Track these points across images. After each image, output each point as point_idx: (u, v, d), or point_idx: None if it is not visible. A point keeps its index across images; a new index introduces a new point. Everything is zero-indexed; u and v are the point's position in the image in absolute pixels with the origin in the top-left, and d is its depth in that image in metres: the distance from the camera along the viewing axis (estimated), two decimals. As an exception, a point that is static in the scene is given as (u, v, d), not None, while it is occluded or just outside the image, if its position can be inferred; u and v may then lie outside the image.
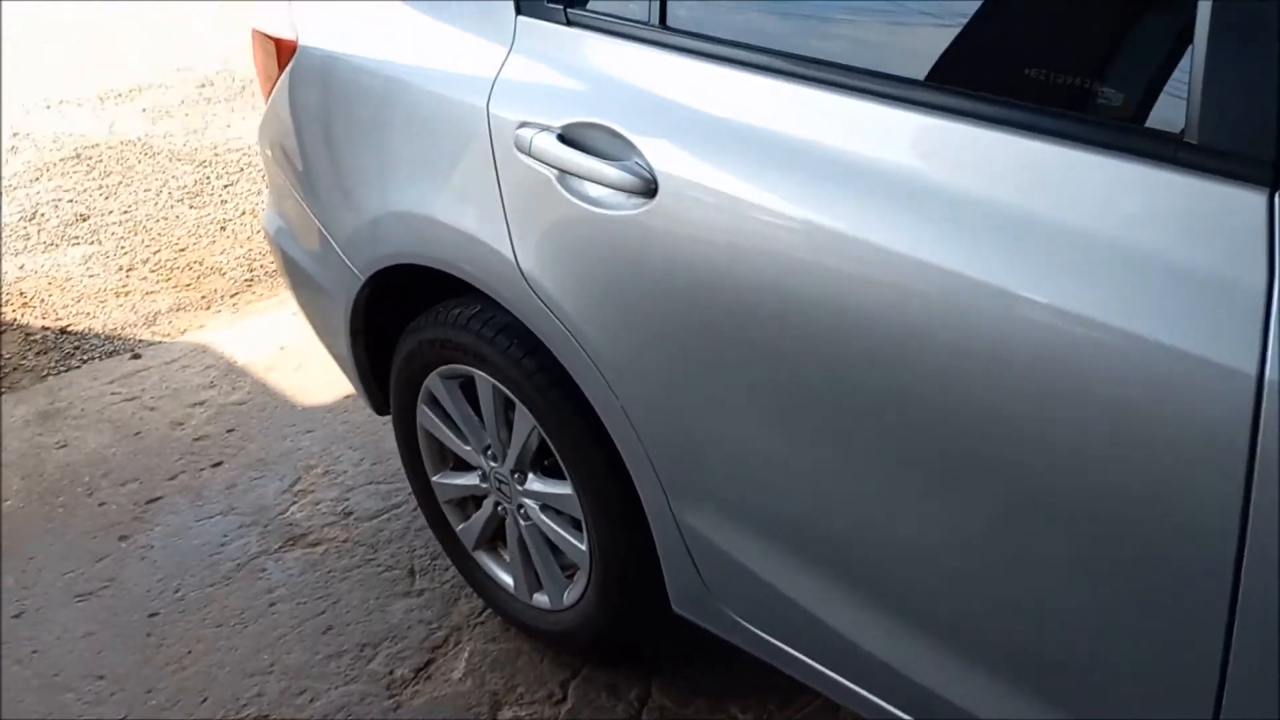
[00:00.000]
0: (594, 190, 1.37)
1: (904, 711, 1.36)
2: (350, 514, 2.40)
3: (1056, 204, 1.00)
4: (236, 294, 3.58)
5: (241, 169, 5.07)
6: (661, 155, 1.30)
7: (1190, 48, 0.93)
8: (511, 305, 1.56)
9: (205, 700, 1.92)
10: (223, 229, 4.17)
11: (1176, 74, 0.96)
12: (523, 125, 1.44)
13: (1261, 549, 0.91)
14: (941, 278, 1.07)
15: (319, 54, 1.83)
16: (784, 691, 1.85)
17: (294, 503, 2.45)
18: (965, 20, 1.14)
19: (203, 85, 7.00)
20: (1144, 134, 0.98)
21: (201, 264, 3.83)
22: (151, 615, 2.13)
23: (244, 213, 4.35)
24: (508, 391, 1.70)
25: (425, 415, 1.93)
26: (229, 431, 2.75)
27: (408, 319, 1.90)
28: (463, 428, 1.87)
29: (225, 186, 4.79)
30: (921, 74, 1.13)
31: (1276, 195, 0.88)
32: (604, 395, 1.49)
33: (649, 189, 1.30)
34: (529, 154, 1.43)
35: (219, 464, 2.61)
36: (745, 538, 1.43)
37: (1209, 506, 0.94)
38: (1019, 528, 1.11)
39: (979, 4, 1.14)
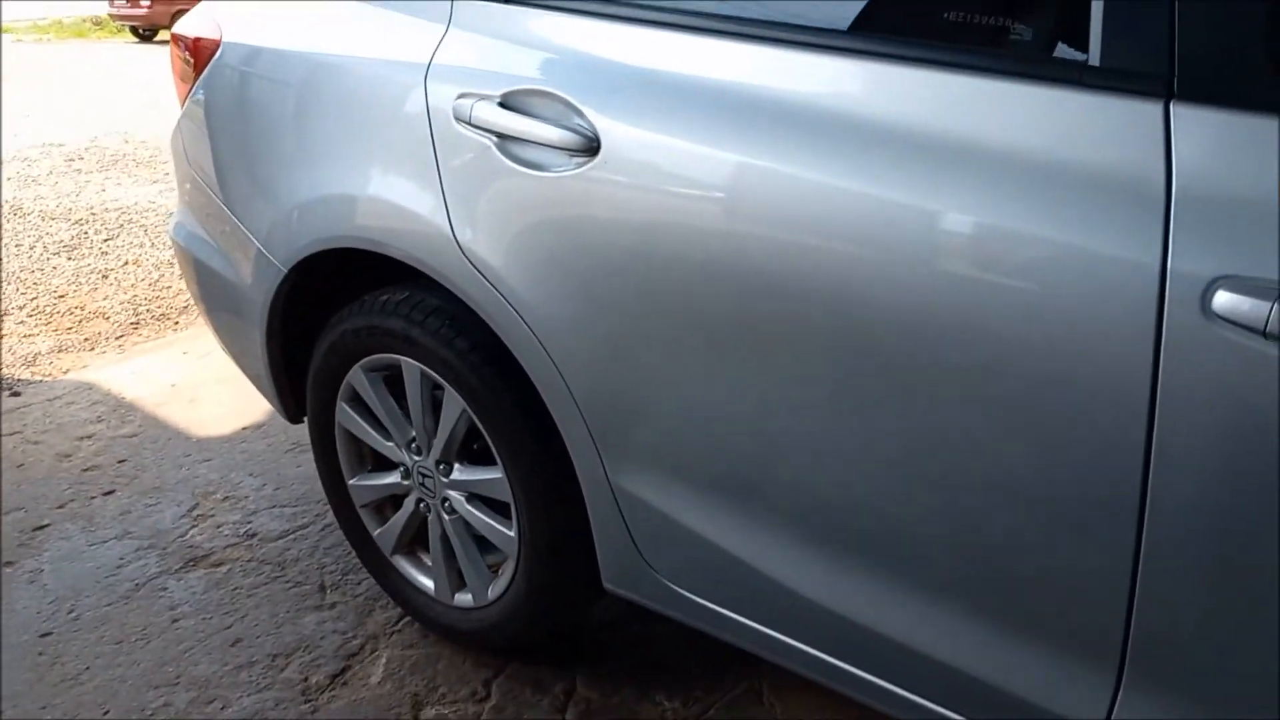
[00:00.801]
0: (535, 153, 1.41)
1: (840, 659, 1.40)
2: (254, 535, 2.33)
3: (978, 130, 1.09)
4: (122, 336, 3.48)
5: (121, 225, 4.97)
6: (603, 113, 1.36)
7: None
8: (447, 279, 1.58)
9: (107, 713, 1.82)
10: (104, 277, 4.07)
11: (1079, 7, 1.07)
12: (462, 96, 1.48)
13: (1170, 413, 1.00)
14: (875, 206, 1.14)
15: (244, 48, 1.85)
16: (708, 677, 1.86)
17: (193, 526, 2.37)
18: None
19: (72, 159, 6.87)
20: (1054, 63, 1.09)
21: (83, 309, 3.71)
22: (44, 635, 2.02)
23: (126, 263, 4.25)
24: (437, 376, 1.70)
25: (345, 413, 1.92)
26: (120, 462, 2.65)
27: (326, 318, 1.90)
28: (385, 422, 1.86)
29: (105, 240, 4.68)
30: (847, 24, 1.23)
31: (1170, 103, 0.99)
32: (542, 364, 1.51)
33: (591, 147, 1.36)
34: (469, 122, 1.47)
35: (111, 492, 2.51)
36: (685, 495, 1.46)
37: (1124, 389, 1.02)
38: (951, 446, 1.17)
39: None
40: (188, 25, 2.01)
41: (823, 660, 1.42)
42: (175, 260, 4.36)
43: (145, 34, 19.28)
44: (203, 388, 3.07)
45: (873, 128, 1.16)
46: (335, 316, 1.84)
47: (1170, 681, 1.11)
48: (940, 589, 1.26)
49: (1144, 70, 1.01)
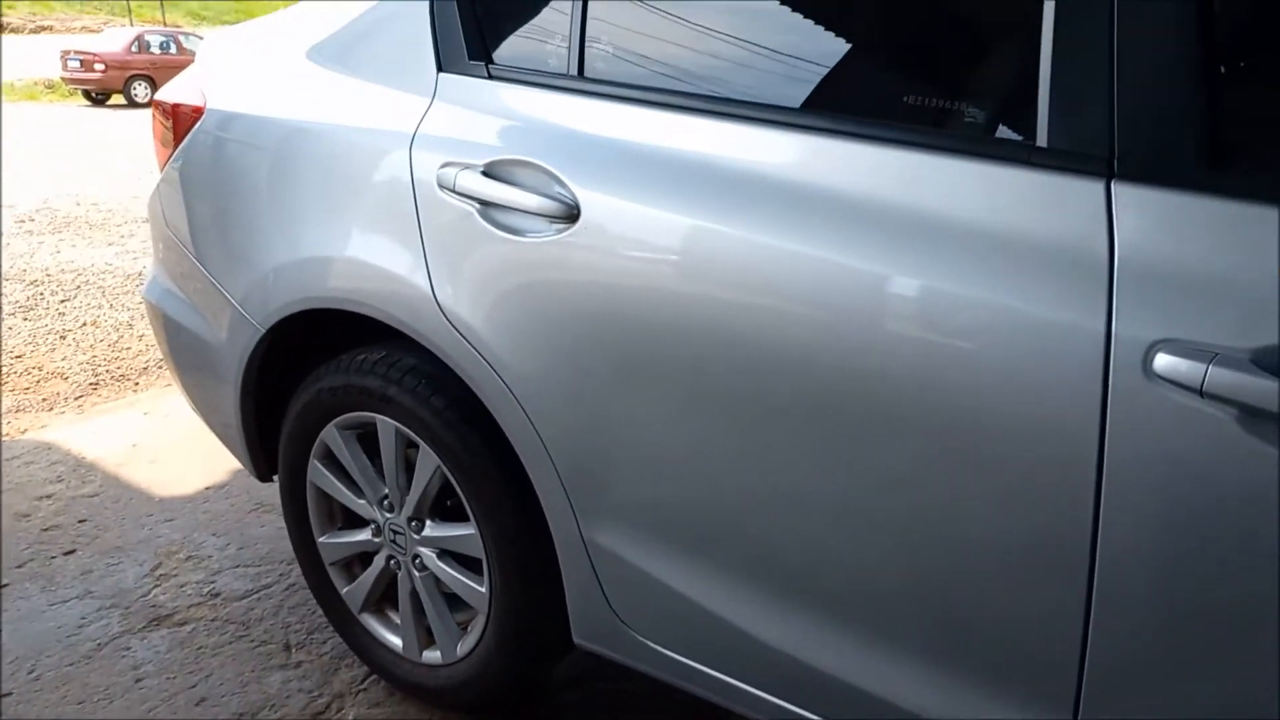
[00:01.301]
0: (516, 220, 1.48)
1: (809, 710, 1.44)
2: (218, 595, 2.33)
3: (937, 203, 1.18)
4: (81, 396, 3.47)
5: (78, 287, 4.95)
6: (582, 182, 1.43)
7: (1039, 74, 1.14)
8: (426, 338, 1.63)
9: (70, 771, 1.81)
10: (62, 338, 4.05)
11: (1028, 93, 1.16)
12: (446, 165, 1.55)
13: (1118, 470, 1.08)
14: (837, 272, 1.22)
15: (228, 115, 1.91)
16: (674, 734, 1.90)
17: (156, 586, 2.36)
18: (843, 57, 1.35)
19: (23, 220, 6.85)
20: (1004, 143, 1.18)
21: (41, 369, 3.69)
22: (4, 695, 2.00)
23: (84, 324, 4.24)
24: (411, 434, 1.75)
25: (317, 471, 1.95)
26: (80, 521, 2.64)
27: (299, 377, 1.94)
28: (358, 479, 1.89)
29: (62, 301, 4.66)
30: (812, 103, 1.32)
31: (1111, 182, 1.08)
32: (518, 421, 1.56)
33: (571, 214, 1.43)
34: (452, 190, 1.53)
35: (71, 552, 2.50)
36: (657, 549, 1.51)
37: (1074, 445, 1.10)
38: (909, 501, 1.24)
39: (859, 41, 1.35)
40: (170, 92, 2.07)
41: (791, 711, 1.46)
42: (133, 323, 4.36)
43: (98, 98, 19.28)
44: (164, 448, 3.06)
45: (836, 200, 1.25)
46: (311, 375, 1.88)
47: (1121, 725, 1.17)
48: (904, 638, 1.31)
49: (1087, 152, 1.10)
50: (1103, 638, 1.15)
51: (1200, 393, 1.01)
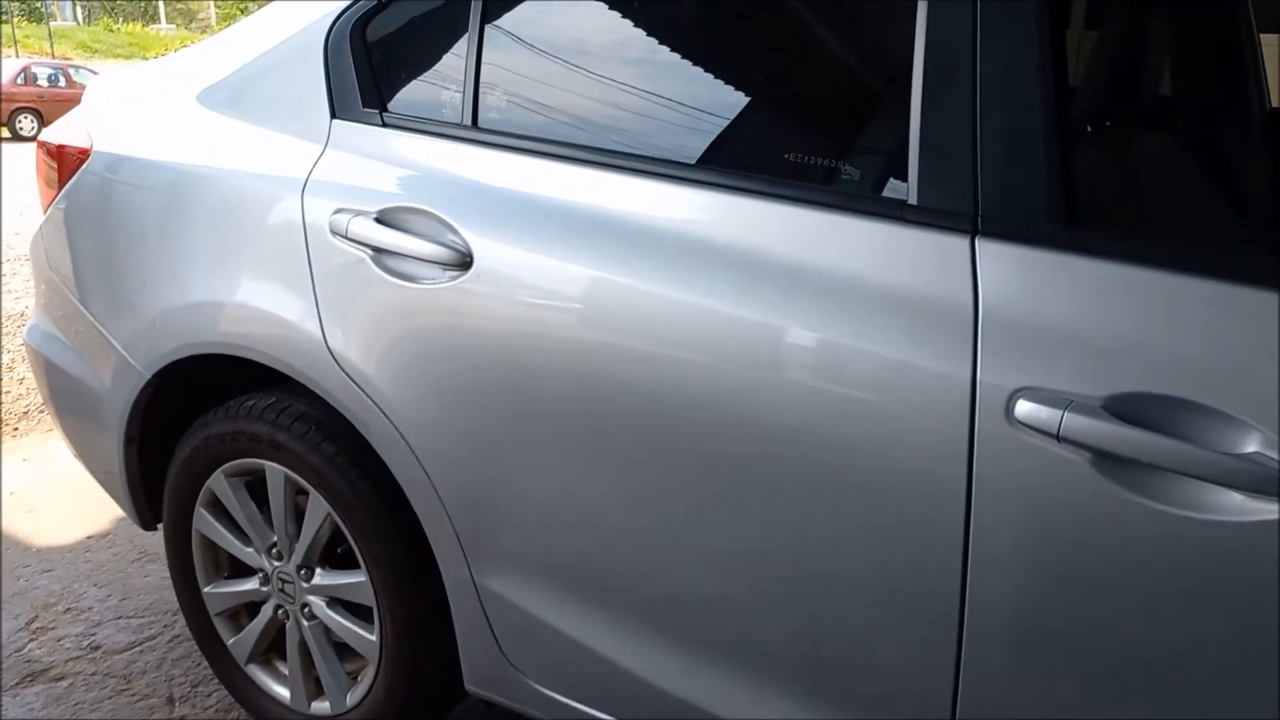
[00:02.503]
0: (409, 266, 1.49)
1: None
2: (98, 648, 2.26)
3: (814, 256, 1.23)
4: (-45, 442, 3.33)
5: (-45, 328, 4.75)
6: (475, 230, 1.45)
7: (909, 136, 1.20)
8: (316, 384, 1.62)
9: (-67, 837, 1.73)
10: (-64, 382, 3.89)
11: (900, 154, 1.22)
12: (339, 211, 1.55)
13: (983, 508, 1.13)
14: (721, 321, 1.27)
15: (113, 158, 1.88)
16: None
17: (32, 639, 2.28)
18: (732, 115, 1.40)
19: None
20: (878, 200, 1.24)
21: (-89, 414, 3.54)
22: None
23: (-41, 367, 4.08)
24: (301, 480, 1.73)
25: (203, 519, 1.91)
26: (-49, 574, 2.53)
27: (185, 425, 1.91)
28: (246, 527, 1.86)
29: (-64, 343, 4.47)
30: (699, 157, 1.37)
31: (975, 239, 1.15)
32: (409, 466, 1.56)
33: (464, 261, 1.45)
34: (345, 236, 1.54)
35: (-59, 605, 2.40)
36: (547, 593, 1.52)
37: (943, 487, 1.15)
38: (791, 542, 1.28)
39: (745, 101, 1.40)
40: (55, 133, 2.03)
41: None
42: (14, 365, 4.21)
43: (-20, 131, 18.64)
44: (43, 496, 2.96)
45: (720, 251, 1.29)
46: (199, 421, 1.85)
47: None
48: (787, 676, 1.35)
49: (953, 209, 1.17)
50: (974, 669, 1.20)
51: (1057, 437, 1.07)
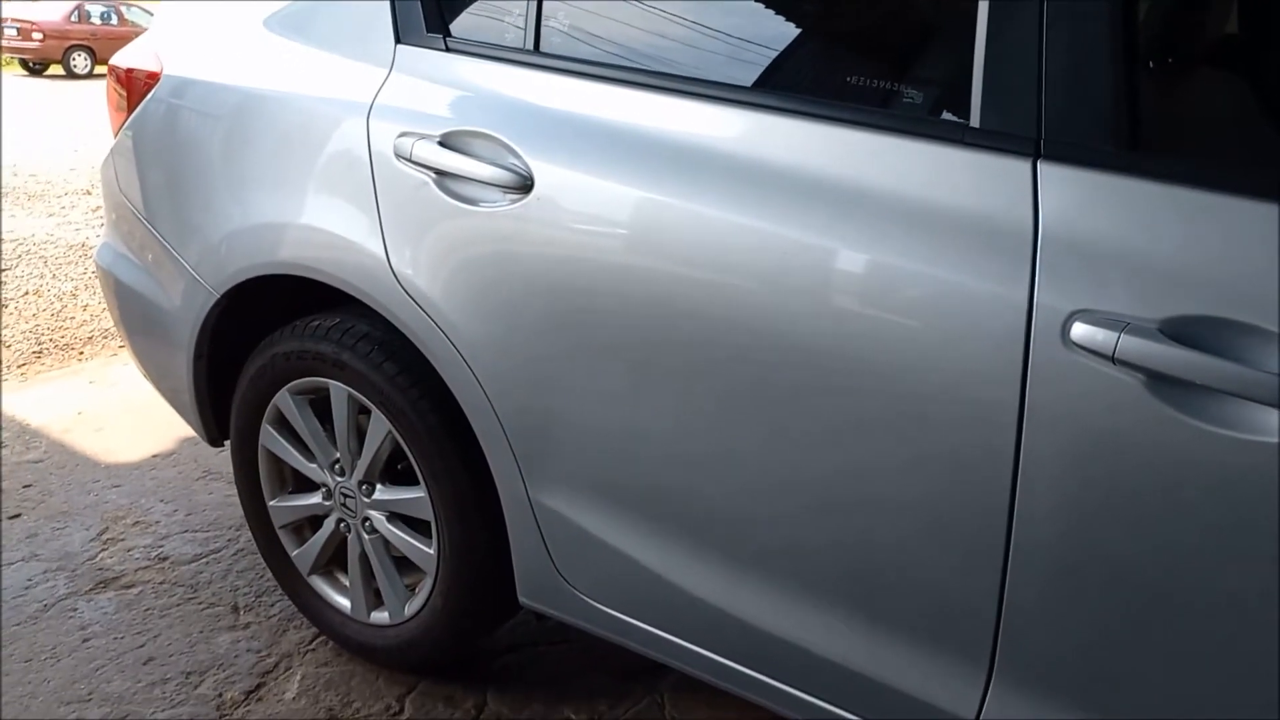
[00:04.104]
0: (471, 190, 1.53)
1: (739, 663, 1.51)
2: (166, 559, 2.35)
3: (873, 179, 1.24)
4: (24, 364, 3.44)
5: (19, 256, 4.89)
6: (536, 154, 1.48)
7: (973, 59, 1.21)
8: (380, 305, 1.67)
9: (18, 727, 1.83)
10: (4, 307, 4.01)
11: (963, 78, 1.23)
12: (403, 135, 1.59)
13: (1035, 429, 1.15)
14: (777, 244, 1.29)
15: (181, 82, 1.92)
16: (613, 693, 1.96)
17: (103, 550, 2.37)
18: (793, 38, 1.41)
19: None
20: (940, 123, 1.25)
21: (-18, 337, 3.66)
22: (-51, 653, 2.01)
23: (26, 293, 4.20)
24: (364, 399, 1.78)
25: (269, 435, 1.98)
26: (25, 487, 2.63)
27: (252, 344, 1.97)
28: (310, 444, 1.92)
29: (2, 271, 4.59)
30: (761, 81, 1.38)
31: (1037, 162, 1.15)
32: (469, 386, 1.61)
33: (524, 185, 1.48)
34: (409, 159, 1.57)
35: (17, 516, 2.50)
36: (600, 510, 1.57)
37: (995, 410, 1.17)
38: (841, 464, 1.31)
39: (807, 24, 1.41)
40: (124, 57, 2.07)
41: (723, 664, 1.53)
42: (77, 293, 4.32)
43: (36, 68, 18.83)
44: (110, 416, 3.06)
45: (778, 174, 1.31)
46: (265, 341, 1.91)
47: (1035, 677, 1.25)
48: (831, 593, 1.38)
49: (1016, 133, 1.17)
50: (1018, 590, 1.22)
51: (1112, 359, 1.09)
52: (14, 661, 2.00)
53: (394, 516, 1.87)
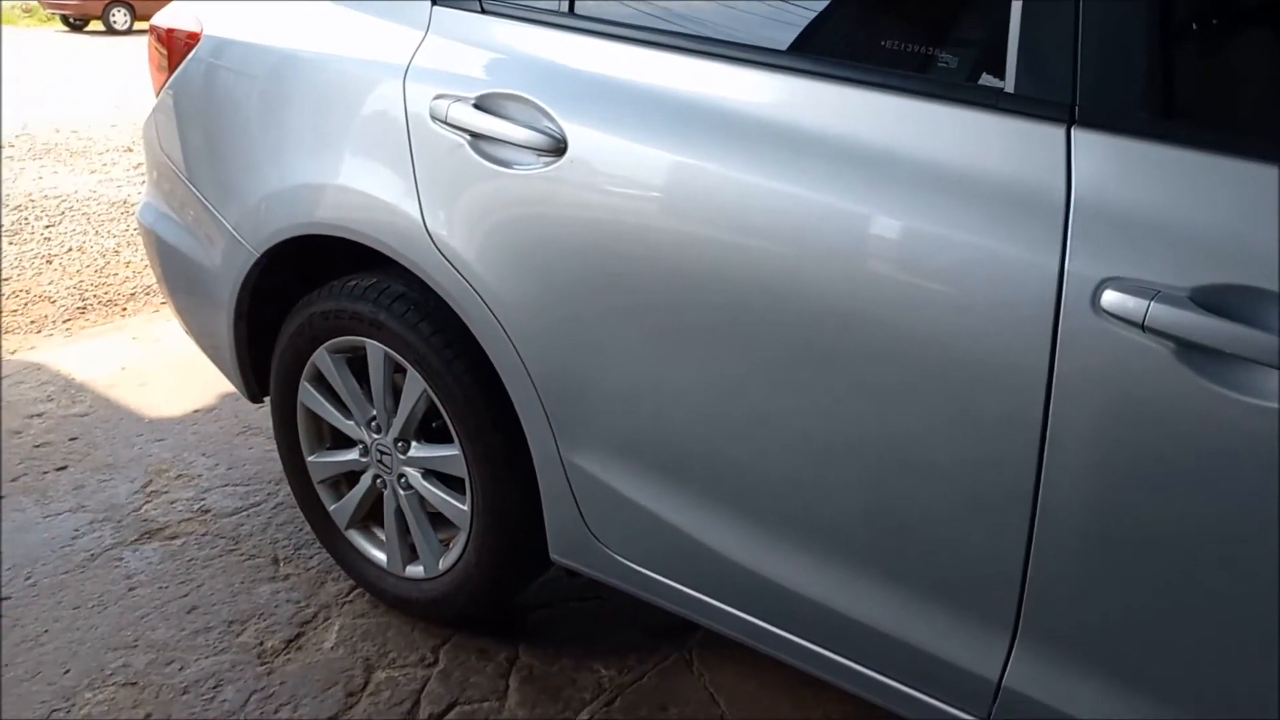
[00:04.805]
0: (505, 152, 1.54)
1: (767, 621, 1.54)
2: (208, 511, 2.41)
3: (907, 144, 1.25)
4: (69, 320, 3.51)
5: (63, 213, 4.96)
6: (570, 116, 1.49)
7: (1009, 25, 1.20)
8: (416, 265, 1.69)
9: (68, 671, 1.89)
10: (48, 263, 4.08)
11: (999, 43, 1.23)
12: (439, 97, 1.60)
13: (1064, 396, 1.16)
14: (811, 209, 1.29)
15: (220, 42, 1.95)
16: (642, 649, 2.00)
17: (147, 501, 2.44)
18: (828, 3, 1.41)
19: (1, 146, 6.80)
20: (975, 89, 1.24)
21: (28, 293, 3.73)
22: (3, 599, 2.08)
23: (70, 249, 4.27)
24: (400, 358, 1.81)
25: (308, 393, 2.01)
26: (71, 439, 2.70)
27: (291, 302, 2.00)
28: (347, 401, 1.96)
29: (46, 227, 4.67)
30: (795, 45, 1.38)
31: (1071, 128, 1.15)
32: (503, 346, 1.63)
33: (558, 148, 1.49)
34: (444, 121, 1.59)
35: (63, 468, 2.57)
36: (631, 471, 1.59)
37: (1024, 375, 1.18)
38: (871, 428, 1.32)
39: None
40: (165, 17, 2.10)
41: (752, 623, 1.56)
42: (120, 250, 4.39)
43: (76, 23, 18.96)
44: (153, 372, 3.12)
45: (812, 138, 1.31)
46: (304, 300, 1.94)
47: (1058, 641, 1.26)
48: (858, 555, 1.40)
49: (1051, 99, 1.17)
50: (1044, 555, 1.24)
51: (1142, 327, 1.09)
52: (63, 608, 2.06)
53: (429, 473, 1.91)
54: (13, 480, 2.50)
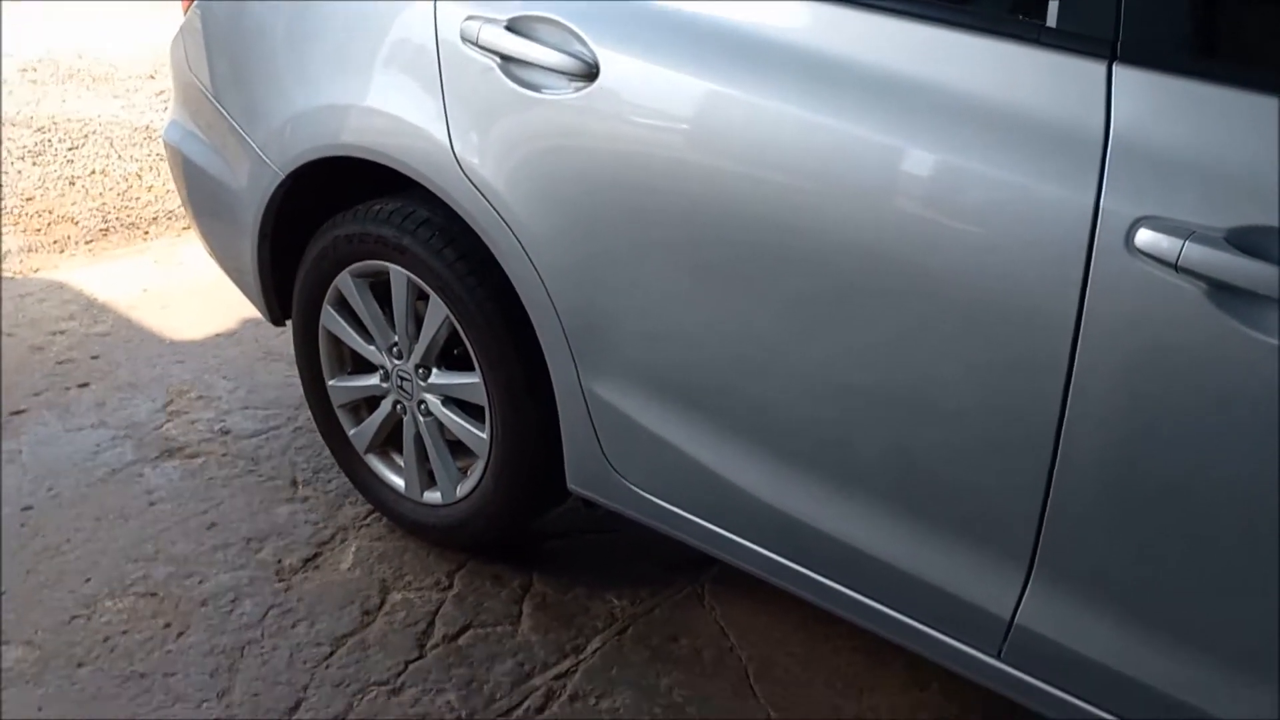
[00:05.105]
0: (536, 76, 1.53)
1: (783, 556, 1.55)
2: (228, 432, 2.43)
3: (945, 76, 1.23)
4: (92, 241, 3.52)
5: (86, 136, 4.95)
6: (602, 41, 1.47)
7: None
8: (442, 190, 1.68)
9: (89, 580, 1.93)
10: (72, 184, 4.08)
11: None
12: (470, 18, 1.58)
13: (1092, 335, 1.15)
14: (844, 141, 1.28)
15: (252, -40, 1.93)
16: (655, 582, 2.02)
17: (168, 421, 2.46)
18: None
19: (25, 70, 6.77)
20: (1016, 22, 1.22)
21: (51, 213, 3.74)
22: (25, 509, 2.11)
23: (93, 172, 4.26)
24: (423, 284, 1.81)
25: (330, 316, 2.02)
26: (94, 358, 2.72)
27: (316, 225, 2.00)
28: (369, 326, 1.97)
29: (70, 149, 4.67)
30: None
31: (1113, 64, 1.13)
32: (528, 275, 1.63)
33: (590, 73, 1.47)
34: (475, 43, 1.57)
35: (85, 385, 2.59)
36: (651, 402, 1.59)
37: (1053, 314, 1.17)
38: (893, 365, 1.32)
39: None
40: (195, -66, 2.07)
41: (768, 558, 1.57)
42: (142, 174, 4.38)
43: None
44: (175, 295, 3.13)
45: (849, 70, 1.29)
46: (328, 223, 1.94)
47: (1073, 582, 1.27)
48: (878, 493, 1.41)
49: (1093, 34, 1.15)
50: (1063, 496, 1.24)
51: (1175, 267, 1.08)
52: (85, 520, 2.09)
53: (449, 400, 1.92)
54: (36, 394, 2.52)
